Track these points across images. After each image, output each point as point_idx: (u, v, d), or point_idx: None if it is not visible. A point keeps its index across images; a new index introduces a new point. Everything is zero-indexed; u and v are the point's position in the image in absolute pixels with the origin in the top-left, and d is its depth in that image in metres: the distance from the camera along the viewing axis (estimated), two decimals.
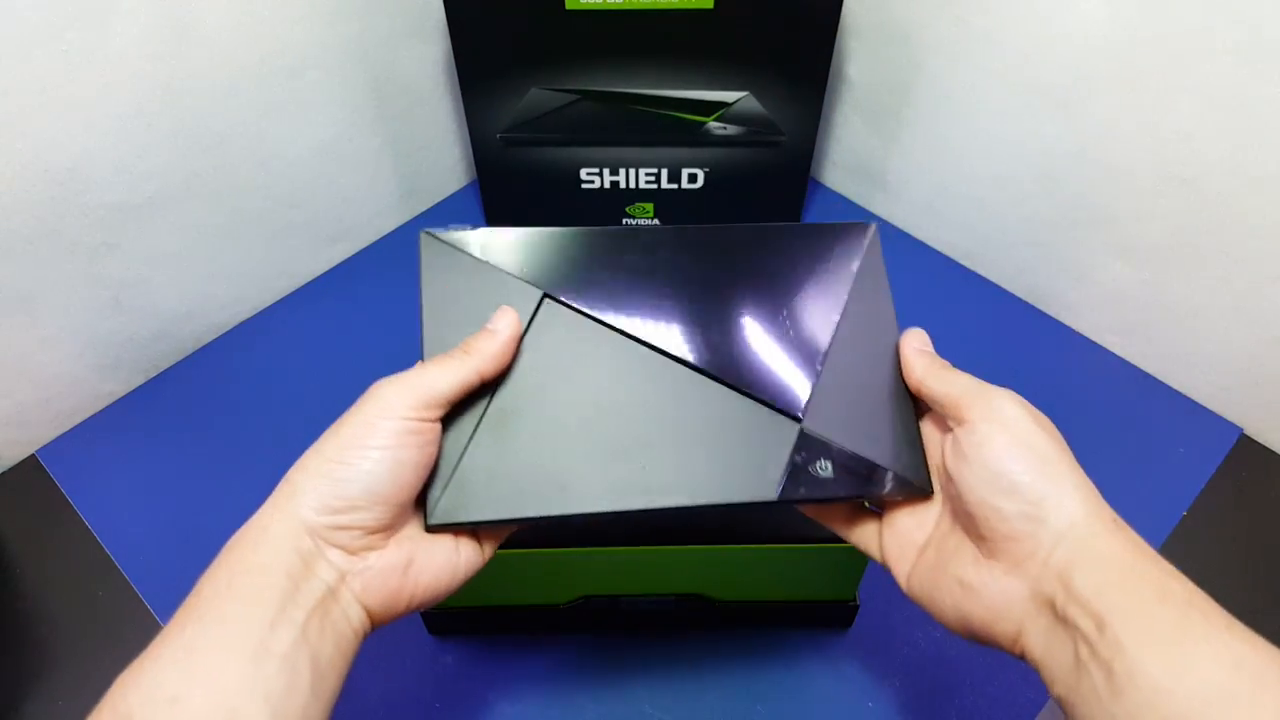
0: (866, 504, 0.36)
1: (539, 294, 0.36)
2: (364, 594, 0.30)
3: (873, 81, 0.70)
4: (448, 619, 0.50)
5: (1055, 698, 0.27)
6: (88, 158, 0.52)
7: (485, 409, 0.33)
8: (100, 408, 0.63)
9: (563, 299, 0.36)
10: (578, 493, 0.32)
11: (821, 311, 0.36)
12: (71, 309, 0.57)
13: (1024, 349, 0.67)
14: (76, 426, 0.62)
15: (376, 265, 0.74)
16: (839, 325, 0.36)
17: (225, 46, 0.55)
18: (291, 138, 0.63)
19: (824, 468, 0.33)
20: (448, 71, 0.71)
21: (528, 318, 0.35)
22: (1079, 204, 0.61)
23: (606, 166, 0.70)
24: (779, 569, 0.45)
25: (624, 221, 0.74)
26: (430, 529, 0.32)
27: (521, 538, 0.36)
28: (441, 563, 0.32)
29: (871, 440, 0.34)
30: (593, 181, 0.72)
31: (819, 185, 0.80)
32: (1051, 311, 0.69)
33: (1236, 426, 0.62)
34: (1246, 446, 0.61)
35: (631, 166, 0.70)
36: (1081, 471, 0.29)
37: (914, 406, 0.35)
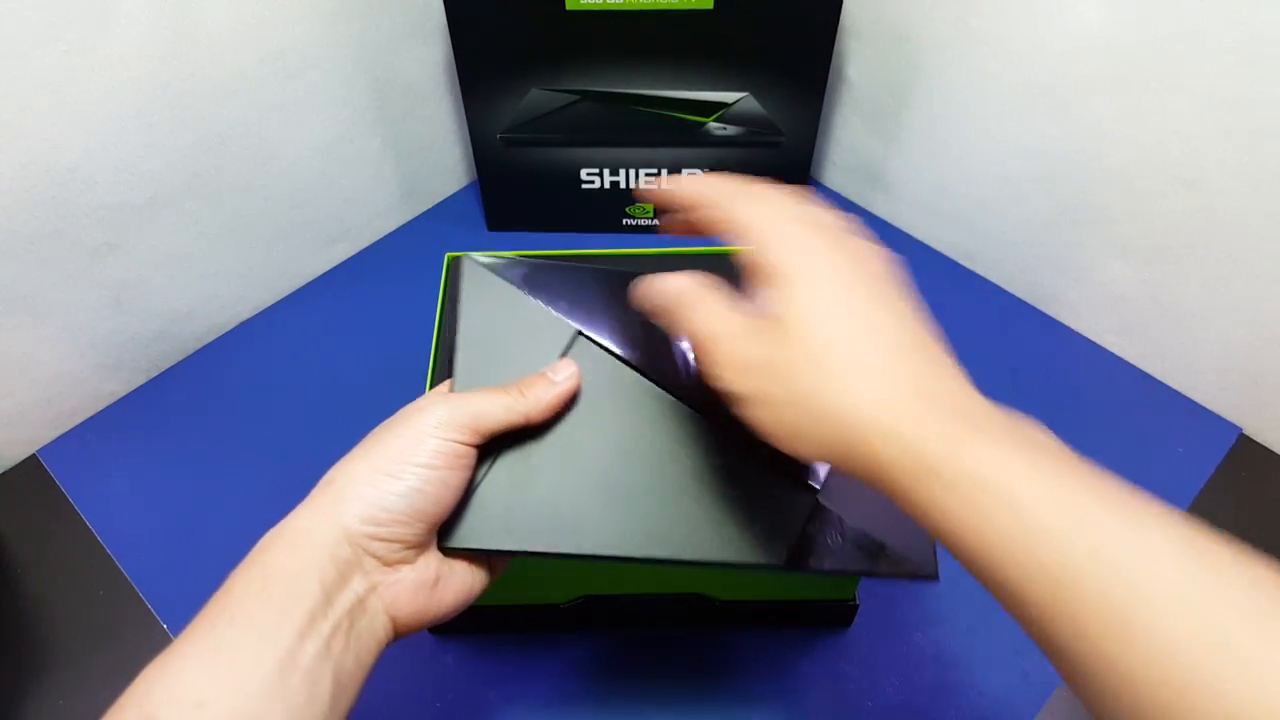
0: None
1: (573, 330, 0.36)
2: (393, 606, 0.30)
3: (872, 82, 0.70)
4: None
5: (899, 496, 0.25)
6: (88, 158, 0.53)
7: (509, 439, 0.34)
8: (101, 408, 0.63)
9: (596, 339, 0.36)
10: (590, 534, 0.33)
11: None
12: (72, 309, 0.57)
13: (1024, 349, 0.67)
14: (77, 426, 0.62)
15: (377, 266, 0.74)
16: None
17: (226, 47, 0.55)
18: (292, 138, 0.63)
19: (834, 541, 0.33)
20: (448, 72, 0.71)
21: (560, 352, 0.35)
22: (1079, 204, 0.61)
23: (607, 167, 0.71)
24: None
25: (624, 222, 0.74)
26: (446, 551, 0.32)
27: None
28: (462, 581, 0.33)
29: (882, 521, 0.34)
30: (593, 182, 0.72)
31: (819, 186, 0.80)
32: (1051, 311, 0.69)
33: (1236, 426, 0.62)
34: (1246, 446, 0.61)
35: (632, 167, 0.71)
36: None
37: None
